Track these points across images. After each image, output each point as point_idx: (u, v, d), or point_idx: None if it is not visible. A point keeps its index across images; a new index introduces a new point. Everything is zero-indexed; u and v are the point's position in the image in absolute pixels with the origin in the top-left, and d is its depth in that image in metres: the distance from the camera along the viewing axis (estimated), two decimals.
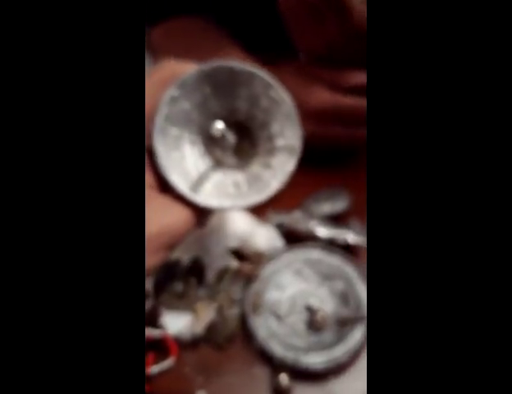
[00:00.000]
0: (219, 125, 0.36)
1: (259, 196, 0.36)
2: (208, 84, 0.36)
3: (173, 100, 0.35)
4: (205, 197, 0.36)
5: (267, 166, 0.38)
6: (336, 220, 0.53)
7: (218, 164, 0.38)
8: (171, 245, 0.34)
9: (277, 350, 0.45)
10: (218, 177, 0.38)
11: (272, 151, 0.38)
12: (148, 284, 0.46)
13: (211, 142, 0.38)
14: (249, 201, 0.37)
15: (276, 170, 0.37)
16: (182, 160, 0.37)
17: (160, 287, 0.46)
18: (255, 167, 0.38)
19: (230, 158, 0.39)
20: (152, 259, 0.33)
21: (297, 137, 0.37)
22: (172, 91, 0.35)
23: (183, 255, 0.48)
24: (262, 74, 0.36)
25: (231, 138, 0.38)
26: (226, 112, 0.37)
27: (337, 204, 0.54)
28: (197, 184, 0.37)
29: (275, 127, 0.37)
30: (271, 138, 0.38)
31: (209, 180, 0.37)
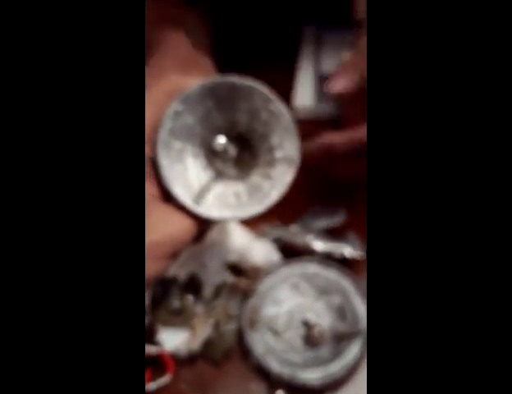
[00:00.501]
0: (221, 139, 0.38)
1: (259, 206, 0.37)
2: (210, 99, 0.37)
3: (177, 114, 0.36)
4: (207, 208, 0.37)
5: (267, 177, 0.39)
6: (332, 234, 0.53)
7: (219, 175, 0.39)
8: (173, 254, 0.35)
9: (274, 366, 0.45)
10: (219, 188, 0.39)
11: (271, 162, 0.39)
12: (145, 300, 0.46)
13: (213, 154, 0.39)
14: (249, 211, 0.37)
15: (276, 181, 0.38)
16: (185, 172, 0.38)
17: (156, 304, 0.46)
18: (255, 177, 0.39)
19: (231, 170, 0.40)
20: (153, 268, 0.33)
21: (295, 149, 0.38)
22: (176, 106, 0.36)
23: (179, 271, 0.48)
24: (262, 88, 0.37)
25: (232, 151, 0.39)
26: (228, 124, 0.39)
27: (334, 218, 0.54)
28: (199, 196, 0.38)
29: (274, 139, 0.38)
30: (270, 150, 0.39)
31: (211, 192, 0.38)
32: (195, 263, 0.49)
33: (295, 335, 0.47)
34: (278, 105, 0.37)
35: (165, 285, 0.47)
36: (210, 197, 0.38)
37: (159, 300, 0.46)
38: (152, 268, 0.33)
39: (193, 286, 0.47)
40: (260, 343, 0.46)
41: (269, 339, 0.47)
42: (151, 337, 0.46)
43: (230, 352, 0.47)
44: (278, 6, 0.74)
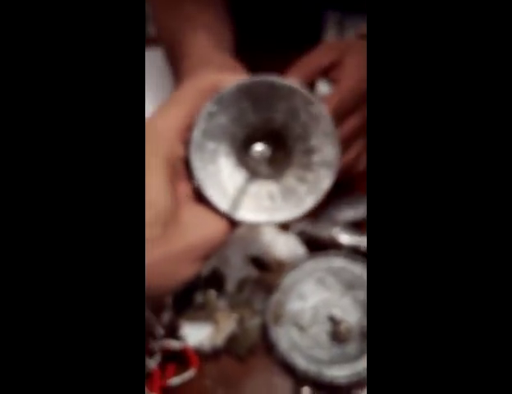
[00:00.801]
0: (258, 147, 0.37)
1: (294, 211, 0.36)
2: (246, 99, 0.36)
3: (211, 115, 0.36)
4: (242, 213, 0.36)
5: (303, 180, 0.38)
6: (358, 227, 0.52)
7: (253, 175, 0.38)
8: (208, 256, 0.34)
9: (300, 362, 0.44)
10: (253, 189, 0.38)
11: (308, 166, 0.37)
12: (169, 296, 0.45)
13: (245, 152, 0.38)
14: (283, 216, 0.36)
15: (312, 186, 0.37)
16: (218, 173, 0.37)
17: (179, 299, 0.45)
18: (290, 179, 0.38)
19: (264, 168, 0.39)
20: (188, 270, 0.33)
21: (335, 155, 0.36)
22: (210, 107, 0.35)
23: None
24: (303, 90, 0.36)
25: (267, 151, 0.37)
26: (263, 124, 0.37)
27: (359, 210, 0.52)
28: (235, 202, 0.37)
29: (313, 142, 0.37)
30: (308, 152, 0.37)
31: (245, 194, 0.37)
32: (217, 257, 0.48)
33: (321, 331, 0.46)
34: (319, 108, 0.36)
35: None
36: (245, 200, 0.37)
37: (182, 295, 0.45)
38: (187, 270, 0.32)
39: (215, 280, 0.47)
40: (285, 339, 0.45)
41: (294, 334, 0.46)
42: (174, 332, 0.45)
43: (254, 347, 0.46)
44: None
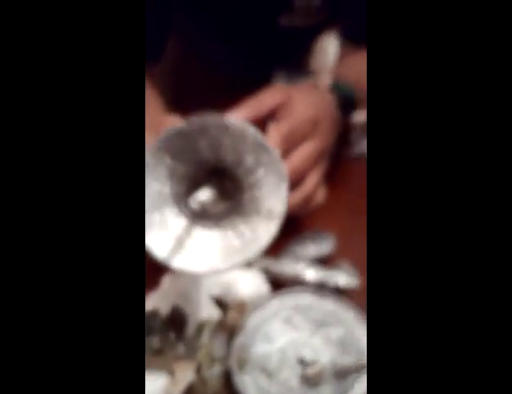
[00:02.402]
0: (202, 195, 0.38)
1: (230, 262, 0.38)
2: (166, 156, 0.37)
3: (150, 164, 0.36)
4: (180, 262, 0.37)
5: (241, 235, 0.38)
6: (323, 263, 0.49)
7: (194, 222, 0.39)
8: None
9: None
10: (193, 238, 0.38)
11: (252, 216, 0.38)
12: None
13: (190, 196, 0.38)
14: (220, 266, 0.38)
15: (249, 242, 0.38)
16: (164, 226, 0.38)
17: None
18: (229, 232, 0.39)
19: (206, 216, 0.39)
20: None
21: (281, 208, 0.37)
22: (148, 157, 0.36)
23: (160, 304, 0.42)
24: (212, 119, 0.36)
25: (210, 199, 0.38)
26: (195, 167, 0.38)
27: (323, 246, 0.50)
28: (173, 251, 0.37)
29: (249, 160, 0.37)
30: (249, 172, 0.37)
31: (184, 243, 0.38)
32: (177, 294, 0.43)
33: (291, 375, 0.41)
34: (237, 127, 0.36)
35: (145, 320, 0.41)
36: (183, 249, 0.38)
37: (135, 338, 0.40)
38: None
39: (176, 321, 0.41)
40: (252, 386, 0.40)
41: (262, 381, 0.41)
42: None
43: None
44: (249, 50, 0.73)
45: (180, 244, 0.38)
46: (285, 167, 0.38)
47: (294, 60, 0.73)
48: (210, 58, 0.76)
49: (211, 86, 0.72)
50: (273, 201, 0.37)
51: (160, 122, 0.42)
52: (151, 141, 0.37)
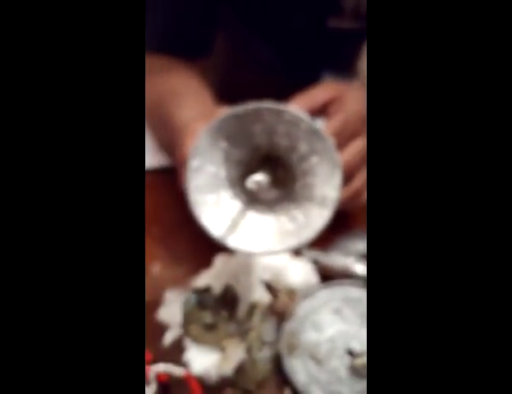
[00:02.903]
0: (257, 177, 0.37)
1: (281, 246, 0.38)
2: (221, 139, 0.37)
3: (197, 171, 0.37)
4: (235, 241, 0.37)
5: (294, 219, 0.38)
6: None
7: (249, 204, 0.39)
8: None
9: None
10: (248, 220, 0.39)
11: (305, 202, 0.38)
12: (177, 312, 0.40)
13: (245, 180, 0.38)
14: (273, 249, 0.38)
15: (302, 226, 0.38)
16: (220, 212, 0.38)
17: (188, 316, 0.40)
18: (282, 217, 0.39)
19: (261, 199, 0.40)
20: None
21: (335, 195, 0.37)
22: (192, 163, 0.37)
23: (214, 282, 0.42)
24: (267, 105, 0.37)
25: (265, 182, 0.38)
26: (250, 152, 0.39)
27: None
28: (228, 230, 0.38)
29: (303, 147, 0.37)
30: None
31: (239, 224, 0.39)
32: (229, 275, 0.43)
33: (340, 364, 0.41)
34: (292, 113, 0.36)
35: (199, 295, 0.41)
36: (238, 229, 0.38)
37: (192, 312, 0.40)
38: None
39: (228, 300, 0.42)
40: (302, 371, 0.40)
41: (311, 367, 0.41)
42: (178, 356, 0.39)
43: (264, 382, 0.41)
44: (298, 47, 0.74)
45: (234, 224, 0.38)
46: (339, 156, 0.38)
47: (341, 62, 0.73)
48: (257, 57, 0.77)
49: (258, 84, 0.73)
50: (326, 188, 0.37)
51: (211, 113, 0.43)
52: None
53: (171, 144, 0.51)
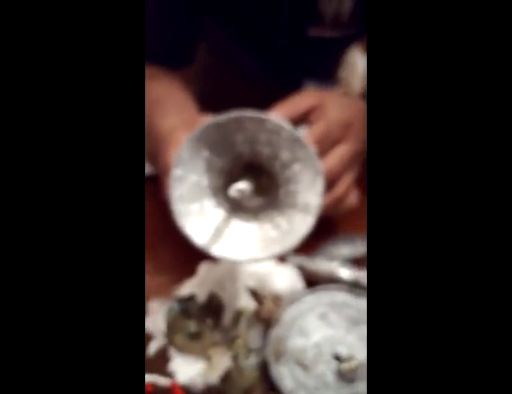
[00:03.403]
0: (240, 185, 0.37)
1: (264, 253, 0.38)
2: (203, 148, 0.37)
3: (180, 180, 0.37)
4: (218, 250, 0.37)
5: (277, 227, 0.38)
6: (356, 263, 0.49)
7: (232, 212, 0.39)
8: None
9: None
10: (231, 228, 0.39)
11: (288, 209, 0.38)
12: (161, 321, 0.39)
13: (228, 188, 0.38)
14: (256, 256, 0.38)
15: (285, 234, 0.38)
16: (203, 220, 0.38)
17: (172, 325, 0.40)
18: (266, 224, 0.39)
19: (244, 207, 0.40)
20: None
21: (317, 202, 0.37)
22: (174, 172, 0.37)
23: (198, 290, 0.42)
24: (249, 114, 0.37)
25: (248, 190, 0.38)
26: (232, 161, 0.39)
27: (357, 247, 0.50)
28: (213, 238, 0.38)
29: (285, 155, 0.37)
30: (285, 166, 0.38)
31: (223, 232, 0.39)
32: (213, 282, 0.43)
33: (327, 369, 0.41)
34: (273, 121, 0.37)
35: (183, 304, 0.41)
36: (222, 238, 0.38)
37: (176, 321, 0.40)
38: None
39: (213, 308, 0.41)
40: (289, 378, 0.40)
41: (298, 373, 0.41)
42: (163, 366, 0.39)
43: (251, 389, 0.40)
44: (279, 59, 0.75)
45: (219, 233, 0.38)
46: (321, 163, 0.38)
47: (323, 70, 0.74)
48: (239, 66, 0.77)
49: (241, 93, 0.73)
50: (309, 195, 0.37)
51: (194, 121, 0.43)
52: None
53: (155, 153, 0.51)
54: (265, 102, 0.49)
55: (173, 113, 0.55)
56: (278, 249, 0.37)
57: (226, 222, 0.39)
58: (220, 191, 0.39)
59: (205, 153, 0.37)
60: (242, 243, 0.38)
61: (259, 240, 0.38)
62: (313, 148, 0.37)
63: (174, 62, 0.63)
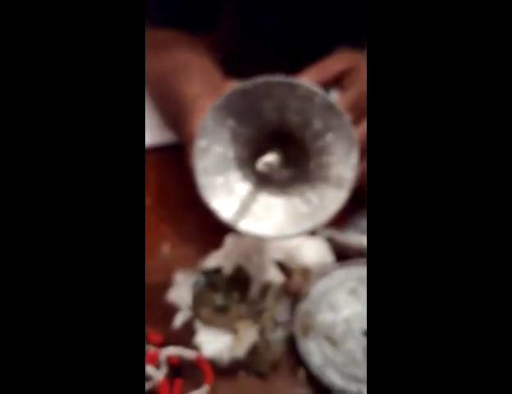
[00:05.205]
0: (268, 157, 0.35)
1: (294, 230, 0.36)
2: (229, 118, 0.35)
3: (204, 151, 0.35)
4: (245, 225, 0.36)
5: (308, 202, 0.37)
6: None
7: (260, 186, 0.38)
8: None
9: (336, 380, 0.37)
10: (258, 202, 0.37)
11: (320, 183, 0.36)
12: (187, 294, 0.38)
13: (256, 161, 0.36)
14: (284, 232, 0.36)
15: (315, 208, 0.36)
16: (231, 194, 0.37)
17: (199, 298, 0.39)
18: (295, 199, 0.37)
19: (273, 180, 0.38)
20: None
21: (350, 176, 0.35)
22: (199, 143, 0.35)
23: (224, 263, 0.41)
24: (278, 79, 0.34)
25: (277, 162, 0.36)
26: (259, 130, 0.37)
27: None
28: (239, 213, 0.36)
29: (317, 124, 0.35)
30: (317, 136, 0.36)
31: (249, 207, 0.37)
32: (240, 254, 0.42)
33: (356, 346, 0.40)
34: (304, 87, 0.34)
35: (209, 277, 0.40)
36: (248, 212, 0.36)
37: (202, 294, 0.39)
38: None
39: (239, 281, 0.40)
40: (317, 353, 0.39)
41: (327, 349, 0.39)
42: (189, 339, 0.38)
43: (277, 364, 0.40)
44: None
45: (245, 207, 0.36)
46: (355, 133, 0.36)
47: (355, 30, 0.71)
48: (264, 30, 0.74)
49: (267, 59, 0.71)
50: (342, 168, 0.35)
51: (219, 88, 0.40)
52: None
53: (178, 121, 0.49)
54: (293, 68, 0.47)
55: (197, 80, 0.53)
56: (308, 225, 0.36)
57: (252, 196, 0.37)
58: (246, 163, 0.37)
59: (230, 123, 0.35)
60: (271, 218, 0.37)
61: (288, 215, 0.37)
62: (347, 117, 0.35)
63: (197, 27, 0.61)
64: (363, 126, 0.44)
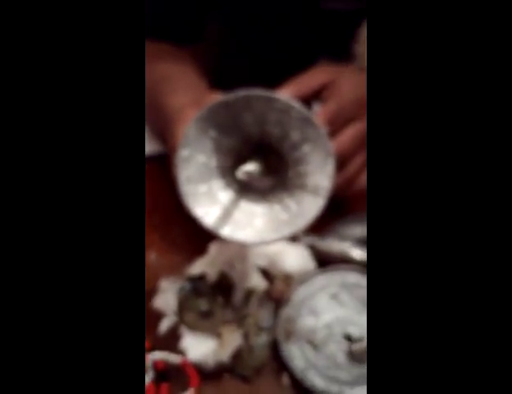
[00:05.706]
0: (249, 166, 0.37)
1: (274, 235, 0.37)
2: (211, 128, 0.37)
3: (186, 161, 0.37)
4: (227, 231, 0.37)
5: (287, 209, 0.38)
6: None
7: (241, 194, 0.39)
8: None
9: (318, 382, 0.39)
10: (240, 209, 0.39)
11: (298, 191, 0.38)
12: (173, 300, 0.39)
13: (237, 170, 0.38)
14: (264, 238, 0.37)
15: (294, 216, 0.37)
16: (214, 203, 0.38)
17: (184, 303, 0.40)
18: (275, 206, 0.38)
19: (253, 188, 0.39)
20: None
21: (327, 184, 0.36)
22: (182, 152, 0.36)
23: (209, 269, 0.42)
24: (257, 93, 0.36)
25: (257, 171, 0.38)
26: (241, 141, 0.38)
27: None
28: (221, 220, 0.37)
29: (294, 135, 0.37)
30: (295, 147, 0.37)
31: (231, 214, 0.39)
32: (224, 262, 0.43)
33: (337, 350, 0.41)
34: (282, 101, 0.36)
35: (194, 283, 0.41)
36: (230, 219, 0.38)
37: (187, 300, 0.40)
38: None
39: (224, 286, 0.41)
40: (299, 357, 0.40)
41: (309, 353, 0.41)
42: (174, 344, 0.39)
43: (261, 368, 0.41)
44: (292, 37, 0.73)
45: (228, 214, 0.38)
46: (332, 144, 0.37)
47: (336, 46, 0.73)
48: (248, 42, 0.76)
49: (251, 71, 0.72)
50: (319, 177, 0.37)
51: (204, 99, 0.42)
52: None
53: (164, 132, 0.50)
54: (277, 79, 0.48)
55: (182, 91, 0.54)
56: (287, 231, 0.37)
57: (235, 203, 0.38)
58: (228, 172, 0.39)
59: (213, 133, 0.37)
60: (251, 225, 0.38)
61: (269, 221, 0.38)
62: (323, 129, 0.36)
63: (183, 39, 0.62)
64: (342, 137, 0.46)
